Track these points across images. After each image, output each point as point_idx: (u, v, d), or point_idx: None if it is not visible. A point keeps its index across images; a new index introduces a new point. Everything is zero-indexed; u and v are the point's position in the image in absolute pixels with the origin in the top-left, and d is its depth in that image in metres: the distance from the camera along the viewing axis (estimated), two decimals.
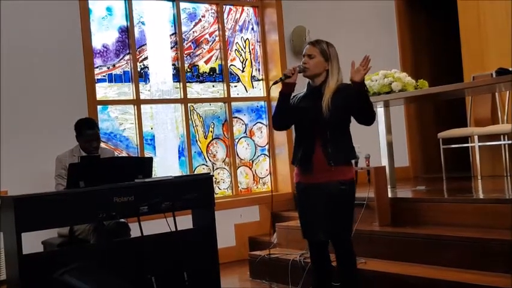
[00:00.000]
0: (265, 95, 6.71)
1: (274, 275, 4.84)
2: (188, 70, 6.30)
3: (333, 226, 3.45)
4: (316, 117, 3.42)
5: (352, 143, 3.54)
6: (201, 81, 6.40)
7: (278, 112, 3.54)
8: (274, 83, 3.55)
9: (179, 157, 6.20)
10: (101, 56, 5.77)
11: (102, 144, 5.10)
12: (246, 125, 6.66)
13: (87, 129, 4.38)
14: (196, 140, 6.31)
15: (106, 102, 5.75)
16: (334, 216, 3.44)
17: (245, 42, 6.72)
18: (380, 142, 5.64)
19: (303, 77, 3.57)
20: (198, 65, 6.39)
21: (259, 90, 6.76)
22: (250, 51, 6.75)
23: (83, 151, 4.42)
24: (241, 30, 6.71)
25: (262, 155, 6.75)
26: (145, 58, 6.05)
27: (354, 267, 3.60)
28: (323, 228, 3.46)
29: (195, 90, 6.36)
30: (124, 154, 5.78)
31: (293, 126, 3.64)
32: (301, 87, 3.62)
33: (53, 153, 4.56)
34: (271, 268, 4.89)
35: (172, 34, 6.23)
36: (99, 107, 5.63)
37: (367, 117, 3.44)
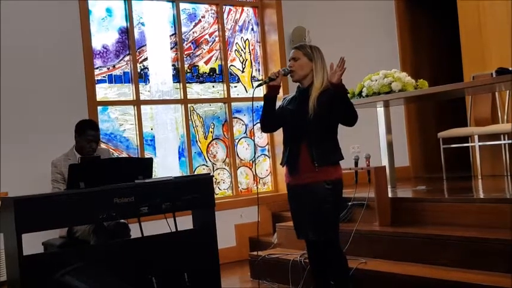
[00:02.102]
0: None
1: (275, 275, 4.84)
2: (188, 71, 6.30)
3: (319, 226, 3.49)
4: (302, 118, 3.48)
5: (338, 143, 3.57)
6: (201, 82, 6.40)
7: (264, 115, 3.62)
8: (258, 85, 3.64)
9: (179, 158, 6.20)
10: (100, 57, 5.77)
11: (101, 144, 5.10)
12: (246, 125, 6.66)
13: (90, 130, 4.39)
14: (196, 141, 6.31)
15: (106, 103, 5.75)
16: (320, 216, 3.49)
17: (245, 42, 6.72)
18: (380, 142, 5.64)
19: (291, 81, 3.62)
20: (198, 66, 6.39)
21: (259, 90, 6.74)
22: (250, 52, 6.75)
23: (78, 153, 4.40)
24: (241, 31, 6.71)
25: (263, 155, 6.75)
26: (145, 59, 6.05)
27: (344, 265, 3.64)
28: (311, 227, 3.51)
29: (195, 90, 6.36)
30: (124, 155, 5.78)
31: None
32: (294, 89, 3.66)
33: (53, 154, 4.56)
34: (272, 268, 4.89)
35: (172, 35, 6.23)
36: (99, 108, 5.63)
37: (348, 118, 3.48)
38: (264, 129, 3.75)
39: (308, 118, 3.44)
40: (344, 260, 3.64)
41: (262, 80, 6.75)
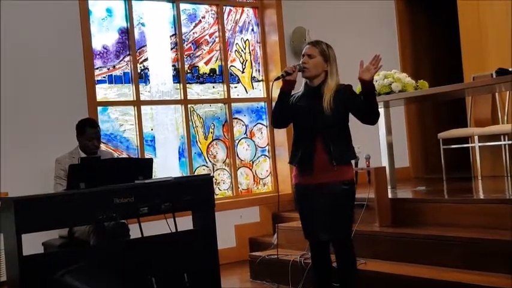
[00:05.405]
0: (265, 96, 6.72)
1: (275, 275, 4.84)
2: (188, 71, 6.30)
3: (334, 226, 3.46)
4: (318, 116, 3.43)
5: (352, 143, 3.54)
6: (201, 82, 6.40)
7: (278, 110, 3.53)
8: (276, 80, 3.54)
9: (179, 158, 6.20)
10: (101, 57, 5.77)
11: (102, 146, 5.11)
12: (246, 125, 6.66)
13: (89, 128, 4.46)
14: (196, 141, 6.31)
15: (106, 104, 5.75)
16: (336, 216, 3.44)
17: (245, 43, 6.72)
18: (380, 143, 5.64)
19: (301, 76, 3.57)
20: (198, 66, 6.39)
21: (259, 91, 6.76)
22: (250, 52, 6.75)
23: (83, 152, 4.46)
24: (241, 31, 6.71)
25: (263, 156, 6.75)
26: (146, 59, 6.05)
27: (354, 267, 3.61)
28: (325, 228, 3.47)
29: (195, 91, 6.36)
30: (124, 155, 5.78)
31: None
32: (298, 86, 3.62)
33: (53, 154, 4.57)
34: (272, 269, 4.89)
35: (172, 35, 6.23)
36: (99, 108, 5.63)
37: (373, 117, 3.45)
38: (275, 124, 3.64)
39: (324, 117, 3.40)
40: (354, 261, 3.61)
41: (262, 80, 6.77)
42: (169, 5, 6.24)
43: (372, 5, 7.29)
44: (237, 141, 6.57)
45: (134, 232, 4.19)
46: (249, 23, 6.78)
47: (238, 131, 6.61)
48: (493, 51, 6.11)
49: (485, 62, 6.10)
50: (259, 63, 6.79)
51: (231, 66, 6.60)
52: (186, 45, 6.31)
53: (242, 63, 6.69)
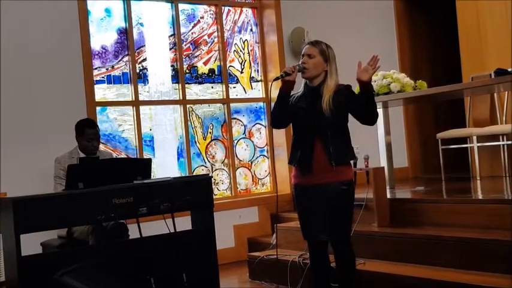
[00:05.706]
0: (264, 96, 6.72)
1: (274, 276, 4.84)
2: (187, 71, 6.30)
3: (334, 226, 3.46)
4: (317, 117, 3.43)
5: (351, 143, 3.54)
6: (200, 83, 6.40)
7: (277, 110, 3.53)
8: (275, 80, 3.53)
9: (178, 158, 6.20)
10: (99, 58, 5.77)
11: (101, 146, 5.11)
12: (245, 126, 6.66)
13: (88, 128, 4.46)
14: (195, 141, 6.31)
15: (105, 104, 5.75)
16: (335, 217, 3.45)
17: (244, 43, 6.72)
18: (379, 143, 5.64)
19: (300, 77, 3.57)
20: (196, 66, 6.39)
21: (258, 91, 6.76)
22: (249, 52, 6.75)
23: (82, 152, 4.46)
24: (240, 31, 6.71)
25: (261, 156, 6.75)
26: (144, 59, 6.05)
27: (353, 267, 3.61)
28: (324, 228, 3.47)
29: (194, 91, 6.36)
30: (123, 155, 5.78)
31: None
32: (297, 86, 3.62)
33: (52, 154, 4.57)
34: (271, 269, 4.89)
35: (171, 35, 6.23)
36: (98, 108, 5.63)
37: (371, 117, 3.45)
38: (275, 124, 3.63)
39: (324, 117, 3.40)
40: (353, 261, 3.62)
41: (261, 80, 6.77)
42: (168, 5, 6.24)
43: (371, 6, 7.29)
44: (235, 142, 6.57)
45: (133, 232, 4.19)
46: (247, 23, 6.78)
47: (237, 131, 6.61)
48: (492, 52, 6.11)
49: (485, 63, 6.10)
50: (258, 63, 6.79)
51: (230, 66, 6.60)
52: (185, 45, 6.31)
53: (241, 64, 6.69)
